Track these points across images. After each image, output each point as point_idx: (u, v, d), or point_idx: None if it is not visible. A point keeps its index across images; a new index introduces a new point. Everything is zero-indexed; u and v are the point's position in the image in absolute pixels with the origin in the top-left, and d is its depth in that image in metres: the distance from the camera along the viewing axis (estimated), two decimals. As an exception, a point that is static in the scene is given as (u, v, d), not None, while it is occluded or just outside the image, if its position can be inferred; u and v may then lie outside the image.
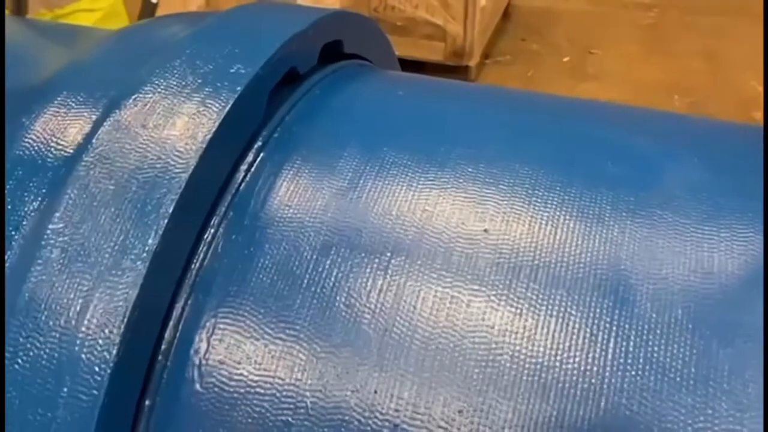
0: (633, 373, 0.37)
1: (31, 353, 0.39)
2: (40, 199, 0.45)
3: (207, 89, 0.47)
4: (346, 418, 0.38)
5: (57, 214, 0.42)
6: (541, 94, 0.64)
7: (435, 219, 0.44)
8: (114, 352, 0.38)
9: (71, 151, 0.46)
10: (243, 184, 0.46)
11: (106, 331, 0.39)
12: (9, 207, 0.44)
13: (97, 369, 0.38)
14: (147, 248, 0.40)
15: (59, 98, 0.52)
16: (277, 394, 0.40)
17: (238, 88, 0.46)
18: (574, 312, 0.38)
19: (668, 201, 0.42)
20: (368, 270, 0.42)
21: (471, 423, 0.37)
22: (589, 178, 0.44)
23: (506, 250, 0.41)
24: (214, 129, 0.44)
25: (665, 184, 0.43)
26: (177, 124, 0.44)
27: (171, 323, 0.42)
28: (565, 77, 2.96)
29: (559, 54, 3.12)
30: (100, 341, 0.38)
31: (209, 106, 0.46)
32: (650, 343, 0.37)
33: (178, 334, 0.42)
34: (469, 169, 0.45)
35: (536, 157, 0.46)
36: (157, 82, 0.48)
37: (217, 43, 0.50)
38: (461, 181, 0.45)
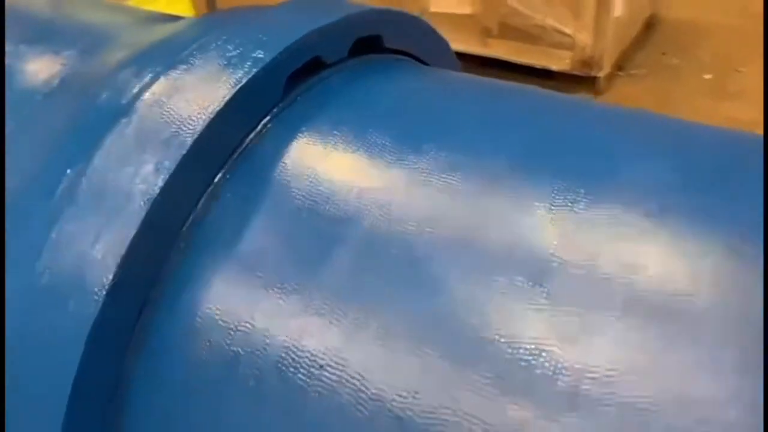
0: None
1: (54, 270, 0.49)
2: (87, 145, 0.55)
3: (229, 70, 0.54)
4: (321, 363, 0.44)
5: (92, 164, 0.52)
6: (544, 94, 0.65)
7: (399, 194, 0.48)
8: (110, 277, 0.47)
9: (113, 112, 0.55)
10: (246, 150, 0.53)
11: (108, 259, 0.47)
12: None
13: (96, 290, 0.47)
14: (149, 195, 0.48)
15: (127, 68, 0.62)
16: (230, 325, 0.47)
17: (254, 71, 0.53)
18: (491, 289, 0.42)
19: (617, 195, 0.43)
20: (330, 232, 0.48)
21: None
22: (548, 166, 0.47)
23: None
24: (225, 101, 0.52)
25: (620, 180, 0.44)
26: (194, 96, 0.52)
27: (168, 261, 0.50)
28: (704, 96, 2.80)
29: (701, 70, 2.95)
30: (100, 268, 0.47)
31: (226, 83, 0.53)
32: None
33: (174, 271, 0.50)
34: (441, 155, 0.49)
35: (506, 146, 0.49)
36: (191, 62, 0.56)
37: (250, 32, 0.58)
38: (431, 164, 0.49)
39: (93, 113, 0.56)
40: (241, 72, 0.53)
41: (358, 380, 0.42)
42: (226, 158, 0.54)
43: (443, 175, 0.49)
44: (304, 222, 0.50)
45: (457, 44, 2.81)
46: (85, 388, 0.47)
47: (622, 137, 0.49)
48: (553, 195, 0.44)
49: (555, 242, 0.41)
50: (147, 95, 0.54)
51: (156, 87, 0.55)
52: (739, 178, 0.46)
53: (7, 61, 0.71)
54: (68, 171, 0.52)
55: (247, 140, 0.54)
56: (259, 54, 0.54)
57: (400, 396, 0.41)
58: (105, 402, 0.49)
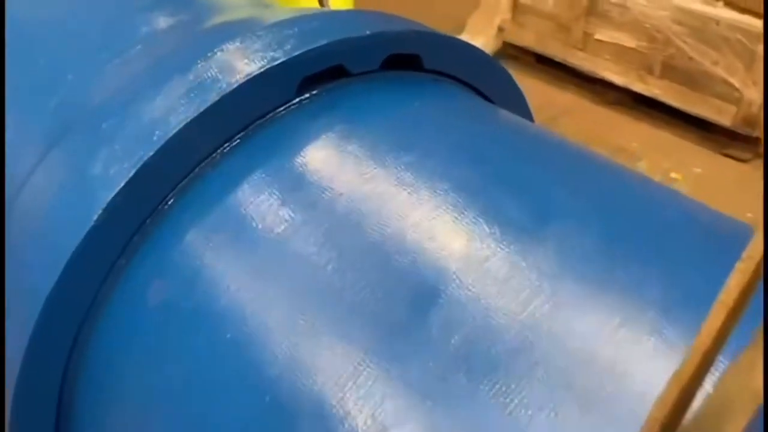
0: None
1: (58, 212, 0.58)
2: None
3: (245, 60, 0.60)
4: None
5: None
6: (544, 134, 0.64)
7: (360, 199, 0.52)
8: (95, 218, 0.55)
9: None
10: (240, 140, 0.59)
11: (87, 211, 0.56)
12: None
13: (78, 227, 0.55)
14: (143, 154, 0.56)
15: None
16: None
17: (262, 69, 0.59)
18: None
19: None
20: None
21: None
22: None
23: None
24: (233, 86, 0.58)
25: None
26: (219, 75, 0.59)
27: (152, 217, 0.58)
28: None
29: None
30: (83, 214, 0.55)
31: (241, 72, 0.59)
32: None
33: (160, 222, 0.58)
34: (407, 173, 0.52)
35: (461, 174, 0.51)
36: (225, 48, 0.63)
37: (282, 33, 0.63)
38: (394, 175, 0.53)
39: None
40: (253, 67, 0.59)
41: None
42: (240, 127, 0.60)
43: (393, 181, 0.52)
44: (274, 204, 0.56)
45: (615, 76, 2.74)
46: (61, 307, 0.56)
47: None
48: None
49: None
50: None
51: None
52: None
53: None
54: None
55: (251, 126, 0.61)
56: (274, 55, 0.60)
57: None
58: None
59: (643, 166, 2.37)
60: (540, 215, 0.48)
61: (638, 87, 2.67)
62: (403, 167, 0.54)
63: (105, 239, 0.56)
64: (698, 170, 2.41)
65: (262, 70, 0.59)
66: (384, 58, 0.67)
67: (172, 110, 0.58)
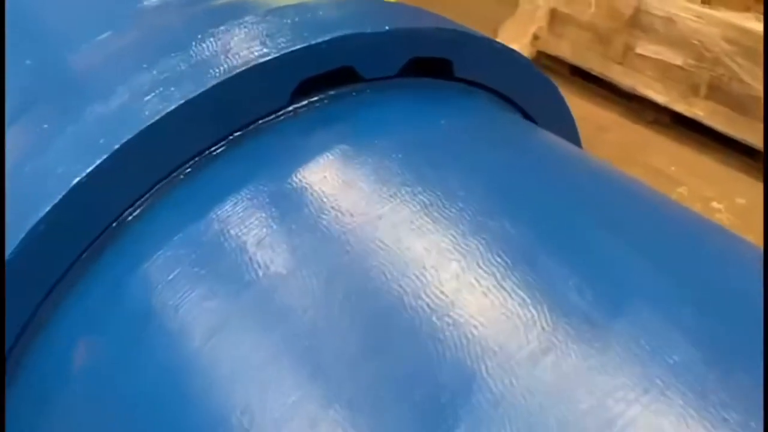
0: None
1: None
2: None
3: (226, 55, 0.46)
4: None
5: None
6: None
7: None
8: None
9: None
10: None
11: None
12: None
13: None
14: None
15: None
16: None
17: (245, 67, 0.45)
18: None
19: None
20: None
21: None
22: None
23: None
24: (207, 86, 0.44)
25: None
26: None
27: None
28: None
29: None
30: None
31: (219, 68, 0.46)
32: None
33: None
34: (425, 217, 0.38)
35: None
36: (205, 37, 0.49)
37: (277, 24, 0.50)
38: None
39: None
40: (238, 62, 0.46)
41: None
42: (216, 137, 0.46)
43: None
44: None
45: (656, 94, 2.57)
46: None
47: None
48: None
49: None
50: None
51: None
52: None
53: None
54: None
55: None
56: (265, 51, 0.46)
57: None
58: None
59: (682, 193, 2.21)
60: (609, 299, 0.33)
61: (680, 107, 2.50)
62: (420, 209, 0.40)
63: (41, 258, 0.43)
64: (742, 201, 2.24)
65: (245, 68, 0.45)
66: (405, 61, 0.53)
67: (127, 110, 0.44)
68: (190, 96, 0.42)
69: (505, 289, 0.34)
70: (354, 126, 0.47)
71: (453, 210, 0.39)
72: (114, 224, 0.45)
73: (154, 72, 0.45)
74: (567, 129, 0.67)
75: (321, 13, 0.52)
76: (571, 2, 2.79)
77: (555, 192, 0.42)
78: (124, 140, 0.41)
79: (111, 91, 0.45)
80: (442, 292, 0.35)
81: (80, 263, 0.45)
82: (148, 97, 0.44)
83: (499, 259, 0.35)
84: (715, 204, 2.21)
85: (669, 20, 2.49)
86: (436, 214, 0.39)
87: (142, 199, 0.46)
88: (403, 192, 0.41)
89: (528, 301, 0.33)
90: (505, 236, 0.37)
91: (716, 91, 2.41)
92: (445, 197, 0.40)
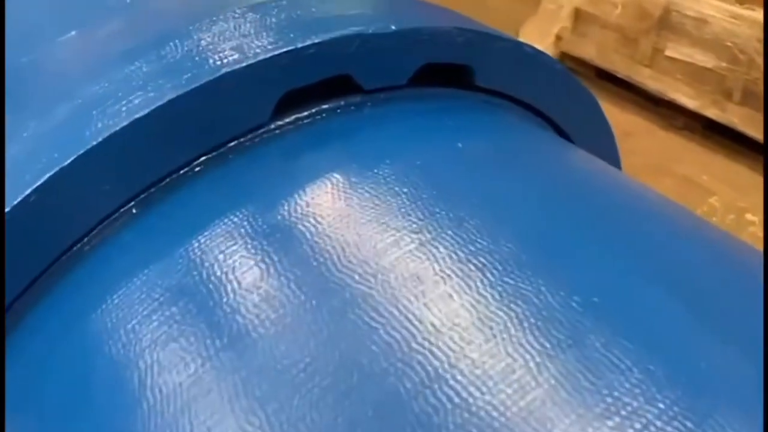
0: None
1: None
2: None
3: (199, 57, 0.37)
4: None
5: None
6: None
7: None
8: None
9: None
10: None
11: None
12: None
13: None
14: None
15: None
16: None
17: (216, 75, 0.36)
18: None
19: None
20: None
21: None
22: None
23: None
24: (169, 97, 0.35)
25: None
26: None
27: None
28: None
29: None
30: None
31: (186, 74, 0.36)
32: None
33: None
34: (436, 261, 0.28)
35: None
36: (173, 36, 0.40)
37: (260, 22, 0.40)
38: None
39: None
40: (208, 68, 0.36)
41: None
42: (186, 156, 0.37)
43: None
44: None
45: (686, 98, 2.43)
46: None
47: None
48: None
49: None
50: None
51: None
52: None
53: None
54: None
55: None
56: (233, 56, 0.36)
57: None
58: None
59: (714, 204, 2.08)
60: (691, 405, 0.23)
61: (712, 113, 2.37)
62: (428, 264, 0.30)
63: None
64: (778, 212, 2.11)
65: (210, 78, 0.36)
66: (416, 68, 0.44)
67: (67, 129, 0.35)
68: (139, 114, 0.33)
69: (541, 375, 0.24)
70: (350, 149, 0.37)
71: (471, 267, 0.29)
72: (63, 257, 0.36)
73: (104, 83, 0.36)
74: (605, 147, 0.57)
75: (314, 9, 0.42)
76: (596, 1, 2.67)
77: (601, 242, 0.32)
78: (55, 170, 0.32)
79: (53, 106, 0.36)
80: (458, 357, 0.25)
81: (20, 303, 0.36)
82: (94, 113, 0.35)
83: (537, 343, 0.25)
84: (749, 216, 2.09)
85: (701, 21, 2.37)
86: (449, 271, 0.29)
87: (94, 232, 0.37)
88: (408, 240, 0.31)
89: (571, 392, 0.23)
90: (545, 307, 0.27)
91: (751, 96, 2.28)
92: (462, 247, 0.30)
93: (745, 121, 2.31)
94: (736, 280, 0.33)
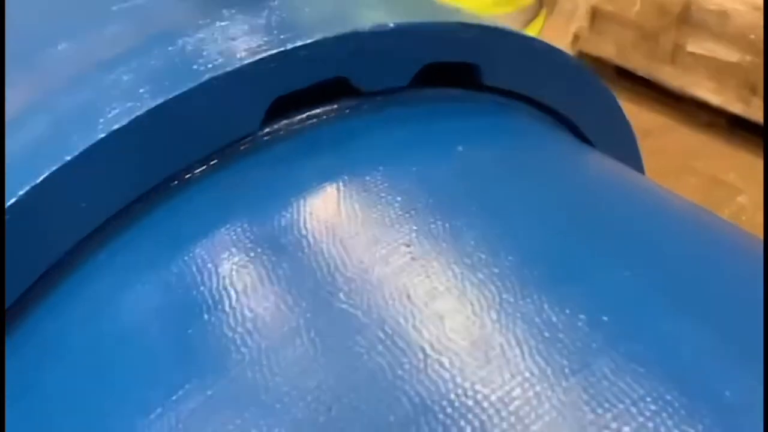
0: None
1: None
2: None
3: (182, 57, 0.35)
4: None
5: None
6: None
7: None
8: None
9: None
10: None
11: None
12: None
13: None
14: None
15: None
16: None
17: (201, 80, 0.34)
18: None
19: None
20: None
21: None
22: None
23: None
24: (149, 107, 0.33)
25: None
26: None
27: None
28: None
29: None
30: None
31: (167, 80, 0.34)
32: None
33: None
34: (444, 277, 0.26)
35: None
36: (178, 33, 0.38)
37: (248, 23, 0.38)
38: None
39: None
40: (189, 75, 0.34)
41: None
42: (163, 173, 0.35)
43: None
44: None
45: (710, 94, 2.38)
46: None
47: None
48: None
49: None
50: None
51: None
52: None
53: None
54: None
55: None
56: (219, 60, 0.34)
57: None
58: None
59: (742, 202, 2.03)
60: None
61: (738, 108, 2.31)
62: (423, 277, 0.28)
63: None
64: (809, 209, 2.04)
65: (200, 81, 0.34)
66: (418, 69, 0.41)
67: (43, 145, 0.33)
68: (118, 125, 0.31)
69: (554, 418, 0.22)
70: (342, 156, 0.35)
71: (467, 283, 0.27)
72: (39, 282, 0.34)
73: (82, 93, 0.34)
74: (626, 147, 0.54)
75: (307, 9, 0.40)
76: (615, -1, 2.63)
77: (614, 256, 0.29)
78: (26, 188, 0.30)
79: (28, 118, 0.35)
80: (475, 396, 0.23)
81: None
82: (70, 125, 0.33)
83: (538, 369, 0.23)
84: (780, 214, 2.03)
85: (723, 14, 2.31)
86: (442, 289, 0.27)
87: (74, 251, 0.35)
88: (398, 255, 0.28)
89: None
90: (547, 328, 0.24)
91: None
92: (458, 262, 0.28)
93: (771, 116, 2.25)
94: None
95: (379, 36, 0.38)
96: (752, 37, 2.24)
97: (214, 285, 0.31)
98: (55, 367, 0.30)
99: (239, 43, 0.35)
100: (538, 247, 0.30)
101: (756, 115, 2.29)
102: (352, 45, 0.38)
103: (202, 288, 0.30)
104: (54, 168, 0.30)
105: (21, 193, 0.30)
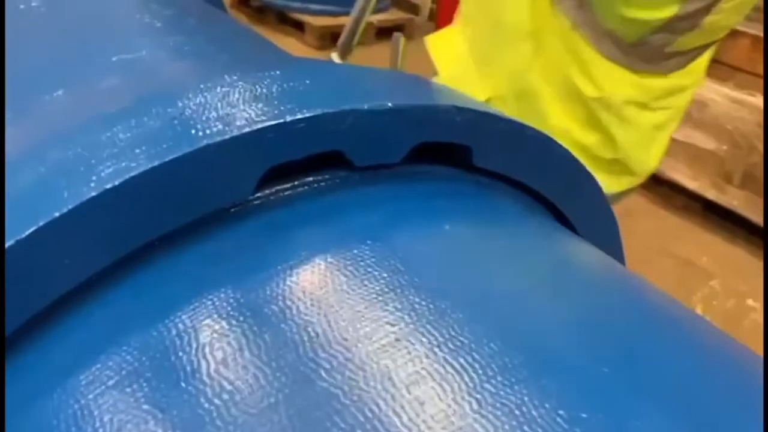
0: None
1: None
2: None
3: (180, 126, 0.36)
4: None
5: None
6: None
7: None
8: None
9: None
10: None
11: None
12: None
13: None
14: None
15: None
16: None
17: (195, 147, 0.34)
18: None
19: None
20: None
21: None
22: None
23: None
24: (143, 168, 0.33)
25: None
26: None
27: None
28: None
29: None
30: None
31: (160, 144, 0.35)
32: None
33: None
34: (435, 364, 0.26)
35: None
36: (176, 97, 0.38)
37: (247, 93, 0.39)
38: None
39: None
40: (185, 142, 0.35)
41: None
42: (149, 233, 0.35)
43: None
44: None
45: (687, 179, 2.45)
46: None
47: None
48: None
49: None
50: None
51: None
52: None
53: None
54: None
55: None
56: (218, 127, 0.35)
57: None
58: None
59: (715, 287, 2.06)
60: None
61: (713, 195, 2.38)
62: (408, 348, 0.28)
63: None
64: (779, 299, 2.08)
65: (197, 147, 0.34)
66: (411, 147, 0.42)
67: (31, 200, 0.33)
68: (110, 185, 0.31)
69: None
70: (331, 227, 0.35)
71: (449, 368, 0.27)
72: (16, 336, 0.33)
73: (77, 149, 0.35)
74: (607, 234, 0.56)
75: (308, 81, 0.41)
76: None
77: (594, 349, 0.29)
78: (11, 242, 0.30)
79: (19, 170, 0.35)
80: None
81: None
82: (62, 180, 0.33)
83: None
84: (750, 302, 2.06)
85: (702, 104, 2.40)
86: (424, 373, 0.27)
87: (54, 307, 0.34)
88: (382, 333, 0.28)
89: None
90: (526, 421, 0.24)
91: (750, 180, 2.29)
92: (441, 345, 0.28)
93: (745, 204, 2.31)
94: (746, 405, 0.31)
95: (376, 114, 0.39)
96: (729, 128, 2.33)
97: (193, 351, 0.30)
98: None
99: (239, 110, 0.36)
100: (520, 333, 0.30)
101: (730, 202, 2.35)
102: (350, 121, 0.38)
103: (180, 354, 0.30)
104: (41, 223, 0.30)
105: (7, 245, 0.30)
